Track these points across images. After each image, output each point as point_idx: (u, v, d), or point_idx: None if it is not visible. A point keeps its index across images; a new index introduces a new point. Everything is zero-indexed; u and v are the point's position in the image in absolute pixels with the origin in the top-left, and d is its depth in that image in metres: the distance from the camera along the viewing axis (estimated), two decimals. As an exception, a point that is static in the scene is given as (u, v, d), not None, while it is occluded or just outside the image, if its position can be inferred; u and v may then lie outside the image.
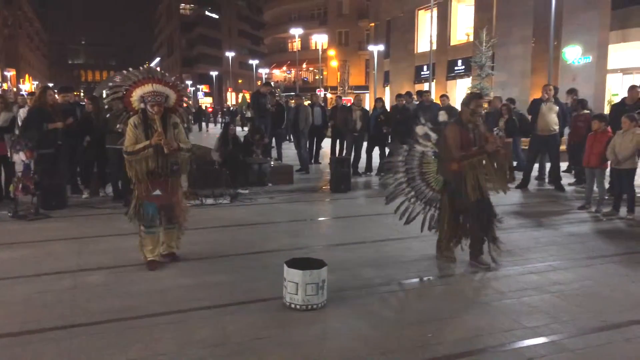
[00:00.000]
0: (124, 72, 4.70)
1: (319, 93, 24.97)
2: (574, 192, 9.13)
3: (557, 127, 9.26)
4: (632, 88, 8.50)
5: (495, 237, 4.93)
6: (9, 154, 7.32)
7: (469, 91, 19.03)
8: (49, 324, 3.58)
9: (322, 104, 15.65)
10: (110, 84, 4.77)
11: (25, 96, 14.14)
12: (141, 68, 4.70)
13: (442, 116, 5.67)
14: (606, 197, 7.51)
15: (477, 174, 4.78)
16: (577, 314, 3.85)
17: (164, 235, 4.87)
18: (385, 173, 5.49)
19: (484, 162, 4.78)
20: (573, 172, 10.11)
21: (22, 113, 8.79)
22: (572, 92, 10.29)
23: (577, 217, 7.22)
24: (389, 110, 12.25)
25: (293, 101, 14.33)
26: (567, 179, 9.75)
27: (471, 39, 24.14)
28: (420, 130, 5.14)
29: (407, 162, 5.19)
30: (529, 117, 9.78)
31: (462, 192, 4.81)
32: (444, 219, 5.05)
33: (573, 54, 18.35)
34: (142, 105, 4.54)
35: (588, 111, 9.51)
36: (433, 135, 5.09)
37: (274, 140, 12.45)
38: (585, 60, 18.18)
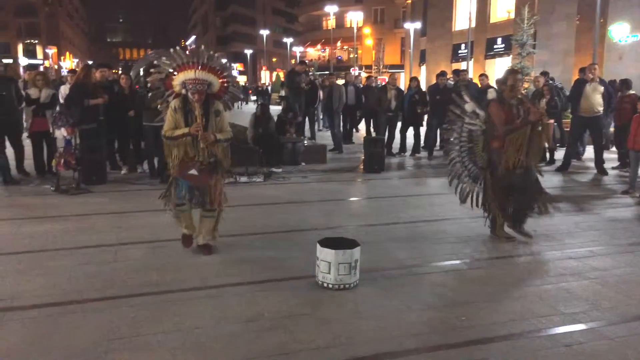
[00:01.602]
0: (171, 50, 4.47)
1: (353, 72, 24.61)
2: (617, 176, 8.81)
3: (601, 109, 8.92)
4: None
5: (545, 205, 5.02)
6: (50, 130, 7.54)
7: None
8: (90, 295, 3.71)
9: (357, 84, 15.46)
10: (156, 62, 4.67)
11: (67, 73, 14.48)
12: (187, 51, 4.45)
13: (491, 94, 5.63)
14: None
15: (517, 148, 4.81)
16: (617, 301, 3.74)
17: (201, 224, 4.70)
18: (446, 153, 5.54)
19: (527, 133, 4.80)
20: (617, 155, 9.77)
21: (64, 90, 9.02)
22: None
23: (619, 201, 6.97)
24: (425, 90, 12.03)
25: (327, 80, 14.20)
26: (610, 163, 9.41)
27: (512, 16, 23.32)
28: (469, 107, 5.14)
29: (460, 139, 5.23)
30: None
31: (500, 167, 4.87)
32: (489, 196, 5.07)
33: (620, 32, 17.53)
34: (183, 91, 4.39)
35: (634, 92, 9.13)
36: (481, 113, 5.09)
37: (307, 119, 12.42)
38: (633, 39, 17.36)
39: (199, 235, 4.73)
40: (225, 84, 4.56)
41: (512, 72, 5.04)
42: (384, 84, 11.83)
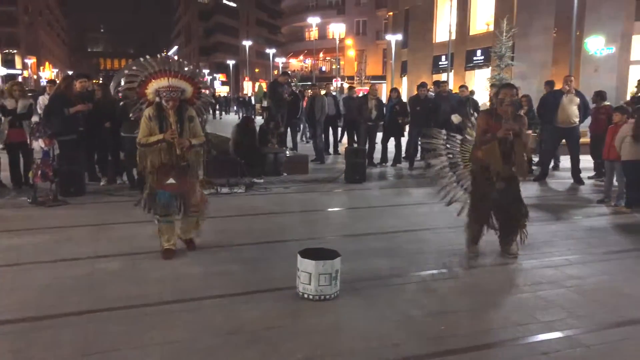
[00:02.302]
0: (141, 59, 4.61)
1: (335, 83, 24.79)
2: (593, 185, 8.98)
3: (577, 120, 9.10)
4: None
5: (523, 229, 4.95)
6: (28, 141, 7.42)
7: (487, 82, 18.81)
8: (66, 310, 3.64)
9: (334, 94, 15.67)
10: (127, 71, 4.76)
11: (46, 84, 14.32)
12: (159, 56, 4.60)
13: (456, 118, 5.72)
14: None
15: (495, 161, 4.75)
16: (593, 309, 3.80)
17: (184, 223, 4.85)
18: (427, 155, 5.56)
19: (497, 147, 4.74)
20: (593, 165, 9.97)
21: (42, 100, 8.91)
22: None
23: (595, 211, 7.10)
24: (405, 101, 12.15)
25: (310, 91, 14.30)
26: (586, 172, 9.59)
27: (491, 28, 23.75)
28: (455, 119, 5.23)
29: (448, 146, 5.26)
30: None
31: (484, 179, 4.85)
32: (471, 206, 5.05)
33: (595, 44, 17.98)
34: (157, 99, 4.47)
35: (609, 103, 9.36)
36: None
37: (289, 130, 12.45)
38: (607, 51, 17.81)
39: (182, 232, 4.85)
40: (197, 91, 4.68)
41: (505, 86, 5.04)
42: (365, 93, 11.92)
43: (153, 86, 4.45)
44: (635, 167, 6.92)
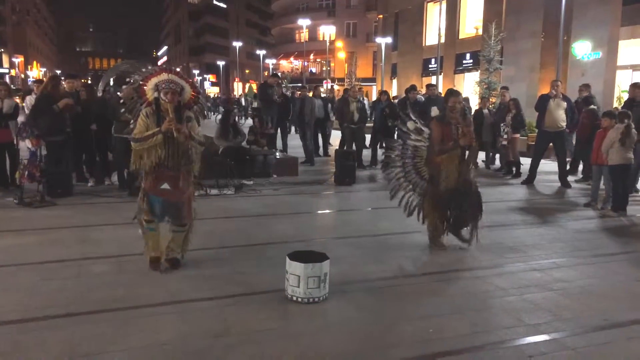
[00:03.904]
0: (144, 69, 4.60)
1: (325, 85, 24.84)
2: (580, 189, 9.08)
3: (564, 124, 9.20)
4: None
5: (476, 227, 5.22)
6: (15, 141, 7.34)
7: (476, 85, 18.94)
8: (52, 312, 3.61)
9: (323, 96, 15.68)
10: (128, 79, 4.71)
11: (33, 83, 14.19)
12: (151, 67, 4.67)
13: (434, 111, 5.85)
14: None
15: (454, 166, 5.06)
16: (579, 312, 3.84)
17: (171, 239, 4.59)
18: (384, 168, 5.73)
19: (458, 155, 5.06)
20: (581, 168, 10.09)
21: (29, 100, 8.82)
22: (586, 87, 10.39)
23: (582, 214, 7.18)
24: (395, 103, 12.19)
25: (299, 93, 14.31)
26: (573, 176, 9.69)
27: (480, 32, 23.93)
28: (410, 125, 5.37)
29: (402, 156, 5.41)
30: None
31: (441, 182, 5.10)
32: (429, 206, 5.25)
33: (583, 49, 18.16)
34: (155, 94, 4.39)
35: (595, 107, 9.47)
36: (426, 130, 5.30)
37: (279, 131, 12.44)
38: (594, 56, 17.99)
39: (167, 249, 4.62)
40: (195, 94, 4.63)
41: (452, 93, 5.26)
42: (344, 96, 11.91)
43: (153, 81, 4.39)
44: (623, 172, 7.01)
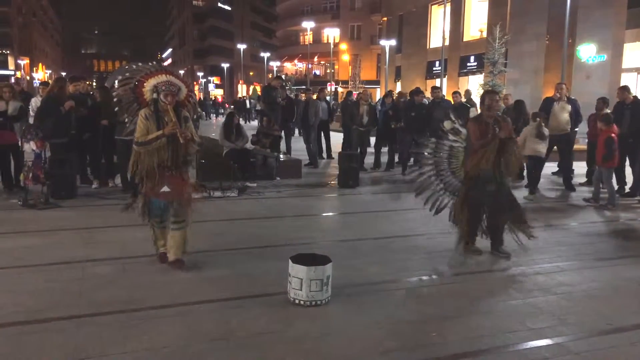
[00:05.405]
0: (134, 66, 4.66)
1: (329, 87, 24.86)
2: (585, 192, 9.03)
3: (568, 127, 9.17)
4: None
5: (524, 223, 5.18)
6: (19, 143, 7.38)
7: (480, 88, 18.90)
8: (55, 314, 3.62)
9: (327, 99, 15.71)
10: (120, 76, 4.73)
11: (39, 85, 14.25)
12: (150, 64, 4.64)
13: (473, 112, 5.87)
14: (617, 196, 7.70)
15: (486, 159, 4.97)
16: (582, 317, 3.82)
17: (171, 239, 4.63)
18: (413, 166, 5.74)
19: (496, 146, 4.97)
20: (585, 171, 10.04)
21: (35, 102, 8.85)
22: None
23: (586, 217, 7.15)
24: (399, 106, 12.16)
25: (304, 95, 14.31)
26: (578, 179, 9.65)
27: (484, 35, 23.90)
28: (447, 125, 5.37)
29: (435, 155, 5.39)
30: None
31: (479, 183, 5.02)
32: (462, 209, 5.17)
33: (587, 52, 18.13)
34: (154, 96, 4.42)
35: (608, 111, 9.43)
36: (463, 131, 5.28)
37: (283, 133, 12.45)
38: (599, 59, 17.97)
39: (169, 252, 4.64)
40: (189, 92, 4.72)
41: (489, 93, 5.27)
42: (351, 99, 11.93)
43: (151, 83, 4.41)
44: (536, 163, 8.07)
